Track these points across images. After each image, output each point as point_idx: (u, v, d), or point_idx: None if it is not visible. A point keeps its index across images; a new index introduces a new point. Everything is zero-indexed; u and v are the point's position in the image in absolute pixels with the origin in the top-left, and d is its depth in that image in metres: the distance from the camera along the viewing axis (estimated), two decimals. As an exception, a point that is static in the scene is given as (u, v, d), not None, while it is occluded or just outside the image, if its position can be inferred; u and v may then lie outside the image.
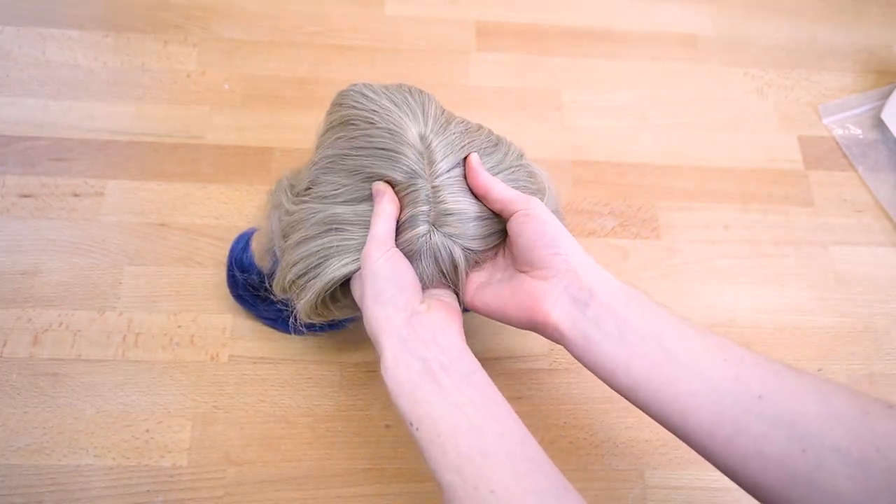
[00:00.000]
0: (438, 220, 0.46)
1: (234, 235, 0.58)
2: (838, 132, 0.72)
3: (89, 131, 0.65)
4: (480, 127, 0.51)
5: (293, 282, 0.49)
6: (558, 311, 0.41)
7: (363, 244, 0.45)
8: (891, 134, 0.70)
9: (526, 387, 0.57)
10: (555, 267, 0.42)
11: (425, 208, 0.45)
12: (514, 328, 0.59)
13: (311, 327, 0.56)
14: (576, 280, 0.41)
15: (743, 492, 0.52)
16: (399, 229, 0.46)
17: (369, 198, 0.47)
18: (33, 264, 0.58)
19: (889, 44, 0.78)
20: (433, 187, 0.46)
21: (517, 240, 0.44)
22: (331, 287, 0.47)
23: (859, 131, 0.72)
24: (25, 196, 0.61)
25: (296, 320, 0.56)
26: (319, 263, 0.47)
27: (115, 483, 0.51)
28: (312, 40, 0.72)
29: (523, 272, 0.44)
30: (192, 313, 0.58)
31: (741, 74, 0.75)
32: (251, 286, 0.56)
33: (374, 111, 0.48)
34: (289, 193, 0.53)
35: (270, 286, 0.55)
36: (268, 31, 0.72)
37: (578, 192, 0.66)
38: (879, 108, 0.72)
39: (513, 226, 0.45)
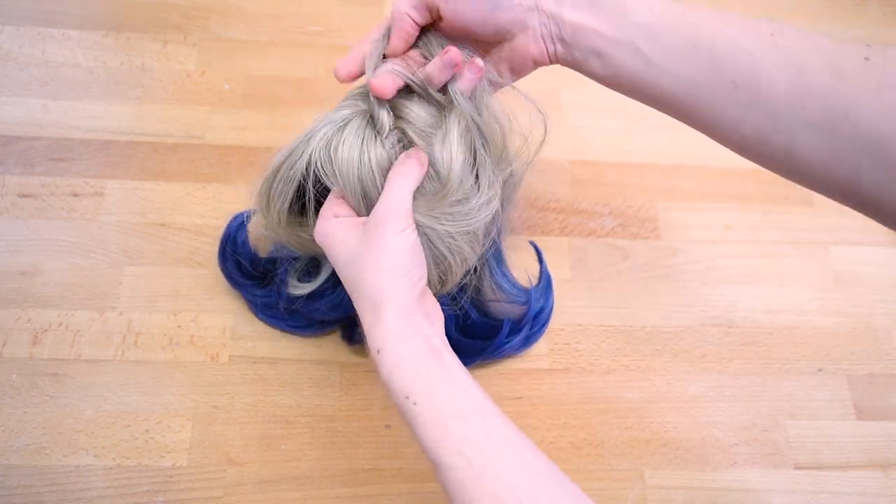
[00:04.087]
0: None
1: (234, 235, 0.58)
2: (838, 132, 0.72)
3: (89, 131, 0.65)
4: None
5: (264, 190, 0.48)
6: (549, 52, 0.43)
7: (334, 134, 0.44)
8: (891, 134, 0.70)
9: (526, 387, 0.57)
10: (518, 18, 0.42)
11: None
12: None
13: (294, 324, 0.57)
14: (543, 12, 0.42)
15: (743, 492, 0.52)
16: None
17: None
18: (33, 264, 0.58)
19: (889, 43, 0.78)
20: None
21: (464, 24, 0.43)
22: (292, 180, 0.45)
23: (859, 131, 0.72)
24: (25, 196, 0.61)
25: (284, 309, 0.56)
26: (286, 160, 0.46)
27: (114, 483, 0.51)
28: (312, 40, 0.72)
29: (496, 42, 0.44)
30: (192, 313, 0.58)
31: (741, 74, 0.75)
32: (240, 265, 0.56)
33: None
34: None
35: (262, 269, 0.56)
36: (268, 31, 0.72)
37: (578, 192, 0.66)
38: (879, 108, 0.72)
39: (446, 25, 0.44)
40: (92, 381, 0.54)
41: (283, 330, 0.57)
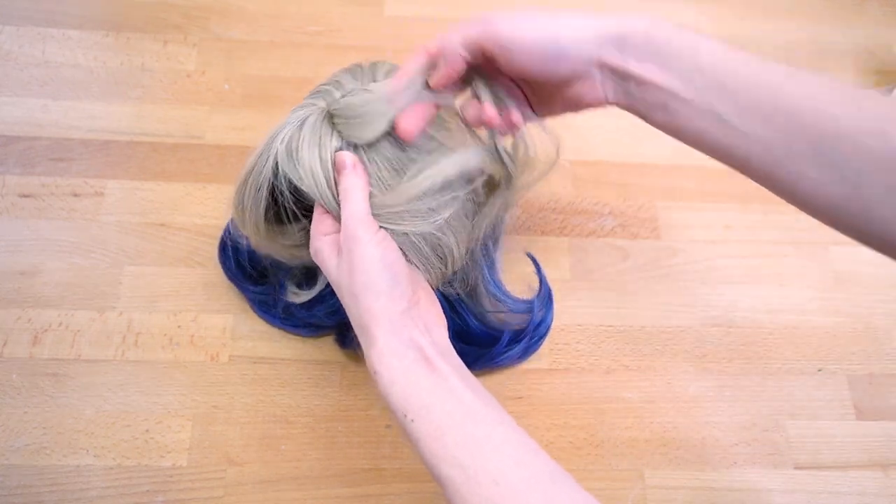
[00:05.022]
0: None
1: (234, 235, 0.58)
2: (838, 132, 0.72)
3: (89, 131, 0.65)
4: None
5: (238, 201, 0.47)
6: (609, 100, 0.42)
7: (300, 125, 0.43)
8: (891, 134, 0.70)
9: (526, 387, 0.57)
10: (579, 70, 0.40)
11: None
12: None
13: (290, 323, 0.57)
14: (606, 66, 0.40)
15: (743, 492, 0.52)
16: None
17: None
18: (33, 264, 0.58)
19: (889, 44, 0.78)
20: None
21: (520, 73, 0.41)
22: (271, 175, 0.44)
23: (859, 131, 0.72)
24: (25, 196, 0.61)
25: (282, 311, 0.56)
26: (253, 168, 0.45)
27: (114, 483, 0.51)
28: (312, 40, 0.72)
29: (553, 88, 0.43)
30: (192, 313, 0.58)
31: (741, 74, 0.75)
32: (239, 262, 0.57)
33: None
34: None
35: (261, 267, 0.56)
36: (268, 31, 0.72)
37: (578, 192, 0.66)
38: (879, 108, 0.72)
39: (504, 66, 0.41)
40: (92, 381, 0.54)
41: (279, 328, 0.57)
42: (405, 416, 0.37)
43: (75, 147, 0.64)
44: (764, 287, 0.63)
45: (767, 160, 0.38)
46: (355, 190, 0.42)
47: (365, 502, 0.52)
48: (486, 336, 0.55)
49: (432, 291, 0.45)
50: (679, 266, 0.64)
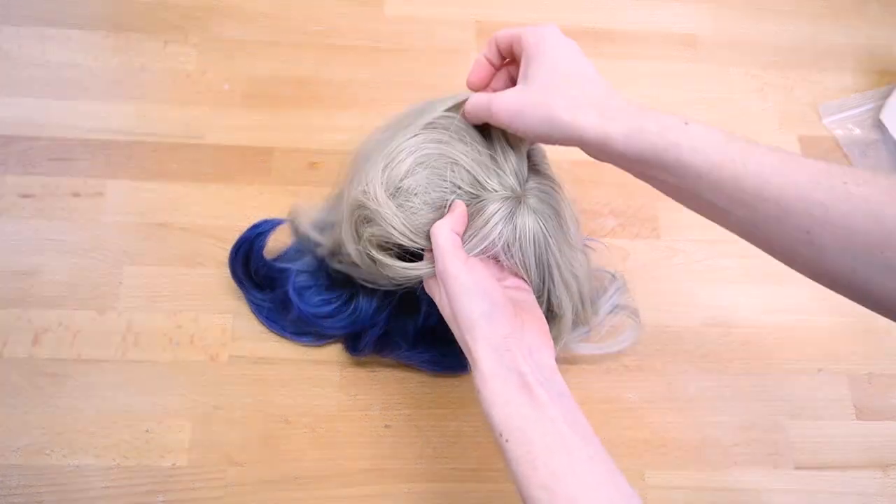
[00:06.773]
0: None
1: (234, 236, 0.58)
2: (838, 132, 0.72)
3: (89, 131, 0.65)
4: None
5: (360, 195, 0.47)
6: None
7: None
8: (890, 134, 0.70)
9: (526, 387, 0.57)
10: (570, 140, 0.44)
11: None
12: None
13: (293, 330, 0.57)
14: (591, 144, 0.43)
15: (743, 492, 0.52)
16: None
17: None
18: (33, 264, 0.58)
19: (889, 44, 0.78)
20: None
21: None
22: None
23: (859, 131, 0.72)
24: (26, 196, 0.61)
25: (279, 306, 0.56)
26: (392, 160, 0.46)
27: (115, 483, 0.51)
28: (313, 40, 0.72)
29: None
30: (193, 313, 0.58)
31: (741, 74, 0.75)
32: (248, 269, 0.57)
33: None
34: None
35: (268, 276, 0.56)
36: (268, 31, 0.72)
37: (578, 192, 0.66)
38: (879, 109, 0.72)
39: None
40: (92, 381, 0.54)
41: (281, 335, 0.57)
42: (501, 435, 0.38)
43: (75, 147, 0.64)
44: (764, 287, 0.63)
45: (761, 238, 0.41)
46: (440, 226, 0.44)
47: (365, 502, 0.52)
48: None
49: (540, 314, 0.46)
50: (679, 266, 0.64)
